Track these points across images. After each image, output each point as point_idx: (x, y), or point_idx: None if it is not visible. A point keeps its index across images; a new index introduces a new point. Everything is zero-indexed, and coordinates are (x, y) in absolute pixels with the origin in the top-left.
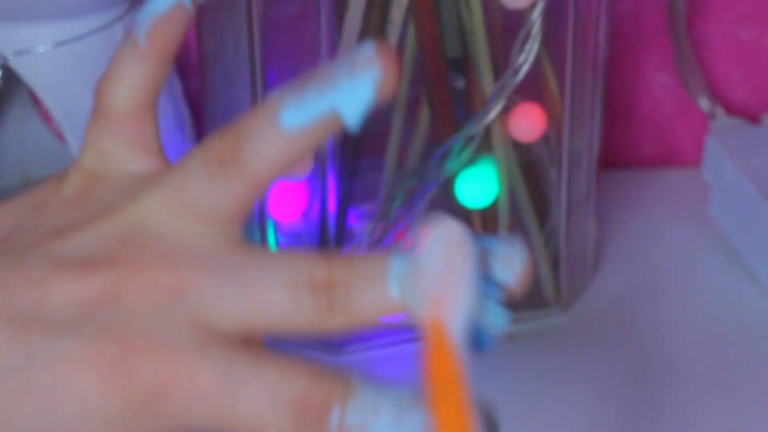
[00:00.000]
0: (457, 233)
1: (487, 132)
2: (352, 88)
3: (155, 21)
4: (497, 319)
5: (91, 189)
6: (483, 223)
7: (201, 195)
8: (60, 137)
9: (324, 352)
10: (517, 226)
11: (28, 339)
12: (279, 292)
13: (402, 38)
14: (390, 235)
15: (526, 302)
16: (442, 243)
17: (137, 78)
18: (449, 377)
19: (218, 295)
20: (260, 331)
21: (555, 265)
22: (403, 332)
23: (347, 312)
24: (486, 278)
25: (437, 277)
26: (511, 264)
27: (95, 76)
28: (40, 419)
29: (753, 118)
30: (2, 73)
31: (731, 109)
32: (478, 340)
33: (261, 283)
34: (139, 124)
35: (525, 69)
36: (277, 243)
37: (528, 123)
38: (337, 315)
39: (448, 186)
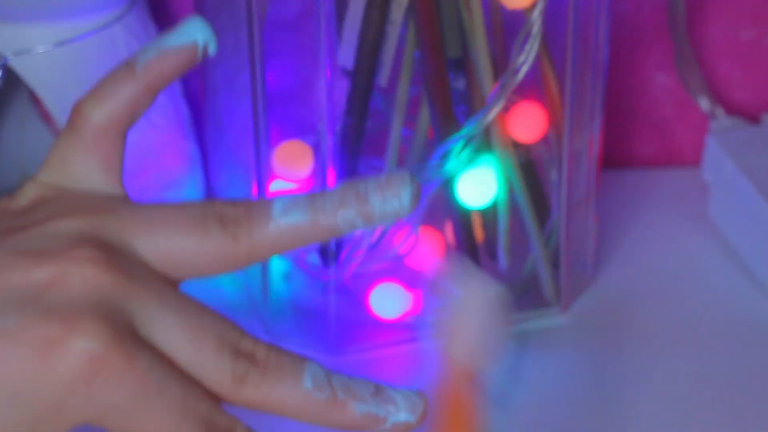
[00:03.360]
0: (495, 297)
1: (487, 132)
2: None
3: (161, 52)
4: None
5: (47, 199)
6: (483, 223)
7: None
8: None
9: (324, 353)
10: (517, 226)
11: None
12: (210, 349)
13: (402, 38)
14: (390, 235)
15: (526, 302)
16: (481, 300)
17: (121, 100)
18: (467, 422)
19: (158, 319)
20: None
21: (555, 265)
22: (403, 332)
23: (256, 389)
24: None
25: (476, 330)
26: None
27: (95, 76)
28: None
29: (753, 118)
30: (2, 73)
31: (731, 109)
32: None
33: (201, 333)
34: (110, 146)
35: (525, 69)
36: None
37: (528, 123)
38: (247, 388)
39: (448, 186)
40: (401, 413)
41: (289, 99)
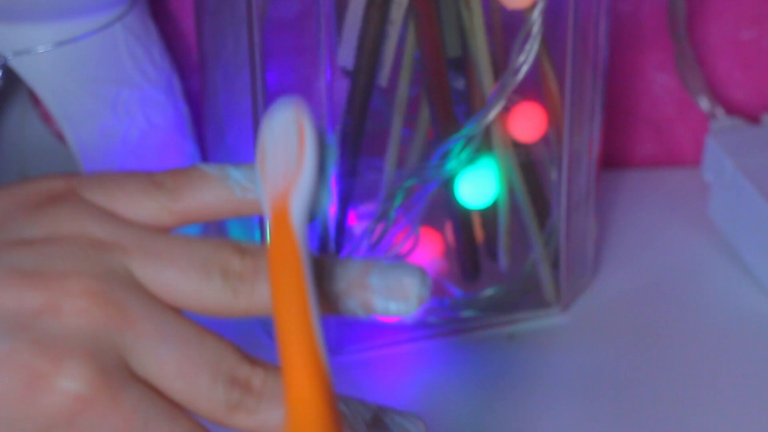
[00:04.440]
0: (296, 115)
1: (487, 132)
2: None
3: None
4: (326, 201)
5: (57, 196)
6: (483, 223)
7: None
8: (60, 137)
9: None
10: (517, 226)
11: None
12: (204, 379)
13: (402, 38)
14: (390, 235)
15: (526, 302)
16: (282, 122)
17: (214, 209)
18: (289, 252)
19: (152, 351)
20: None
21: (555, 265)
22: (403, 332)
23: (250, 417)
24: (321, 166)
25: (280, 166)
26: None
27: (95, 76)
28: None
29: (753, 118)
30: (2, 73)
31: (731, 109)
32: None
33: (195, 363)
34: (179, 222)
35: (525, 69)
36: None
37: (528, 123)
38: (240, 415)
39: (448, 186)
40: None
41: None
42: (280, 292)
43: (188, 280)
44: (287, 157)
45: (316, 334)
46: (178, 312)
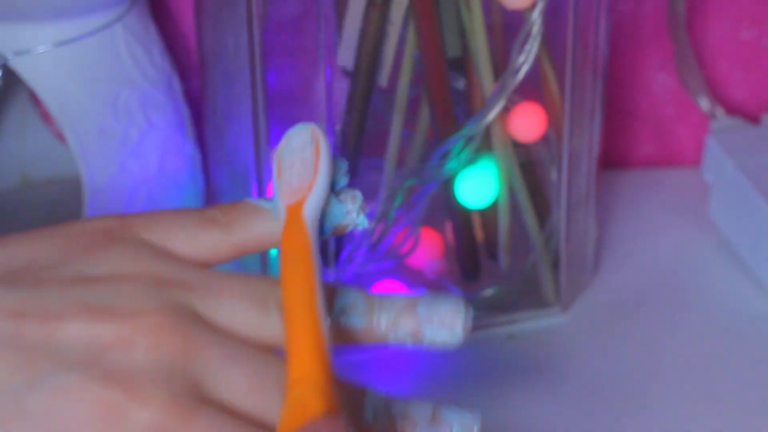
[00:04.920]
0: (312, 135)
1: (487, 132)
2: None
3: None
4: (339, 213)
5: (115, 236)
6: (483, 223)
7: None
8: (60, 137)
9: None
10: (517, 226)
11: (33, 366)
12: (274, 395)
13: (402, 38)
14: (390, 235)
15: (526, 302)
16: (300, 141)
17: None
18: (300, 243)
19: (222, 375)
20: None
21: (555, 265)
22: None
23: None
24: (334, 177)
25: (295, 177)
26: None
27: (95, 76)
28: None
29: (753, 118)
30: (2, 73)
31: (731, 109)
32: (322, 227)
33: (263, 381)
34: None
35: (525, 69)
36: None
37: (528, 123)
38: None
39: (448, 186)
40: None
41: (289, 99)
42: (289, 278)
43: (248, 314)
44: (303, 170)
45: (321, 320)
46: (239, 338)
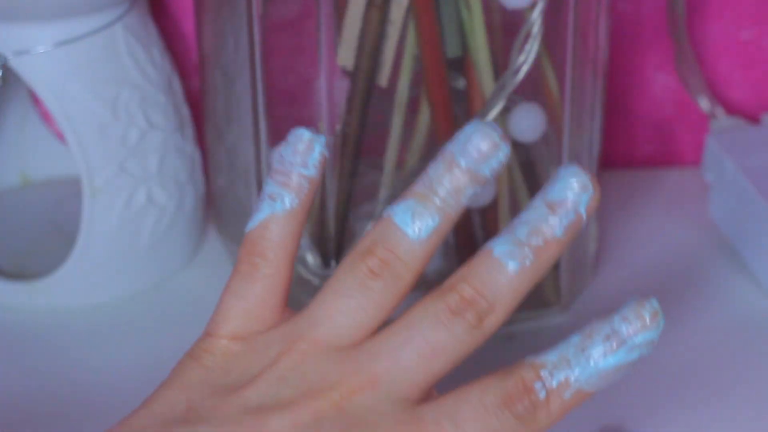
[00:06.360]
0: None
1: None
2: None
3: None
4: None
5: (235, 350)
6: (483, 223)
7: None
8: (60, 137)
9: None
10: None
11: None
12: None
13: (402, 38)
14: None
15: (526, 302)
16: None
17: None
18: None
19: (403, 370)
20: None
21: (555, 265)
22: None
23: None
24: None
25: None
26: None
27: (95, 76)
28: None
29: (753, 118)
30: (2, 73)
31: (731, 109)
32: None
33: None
34: (281, 280)
35: (525, 69)
36: None
37: (528, 123)
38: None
39: None
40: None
41: (289, 99)
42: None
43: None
44: None
45: None
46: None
